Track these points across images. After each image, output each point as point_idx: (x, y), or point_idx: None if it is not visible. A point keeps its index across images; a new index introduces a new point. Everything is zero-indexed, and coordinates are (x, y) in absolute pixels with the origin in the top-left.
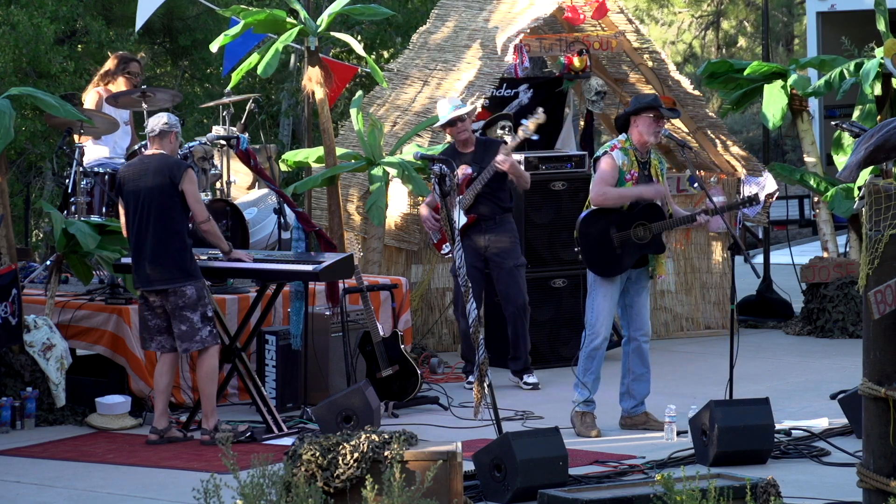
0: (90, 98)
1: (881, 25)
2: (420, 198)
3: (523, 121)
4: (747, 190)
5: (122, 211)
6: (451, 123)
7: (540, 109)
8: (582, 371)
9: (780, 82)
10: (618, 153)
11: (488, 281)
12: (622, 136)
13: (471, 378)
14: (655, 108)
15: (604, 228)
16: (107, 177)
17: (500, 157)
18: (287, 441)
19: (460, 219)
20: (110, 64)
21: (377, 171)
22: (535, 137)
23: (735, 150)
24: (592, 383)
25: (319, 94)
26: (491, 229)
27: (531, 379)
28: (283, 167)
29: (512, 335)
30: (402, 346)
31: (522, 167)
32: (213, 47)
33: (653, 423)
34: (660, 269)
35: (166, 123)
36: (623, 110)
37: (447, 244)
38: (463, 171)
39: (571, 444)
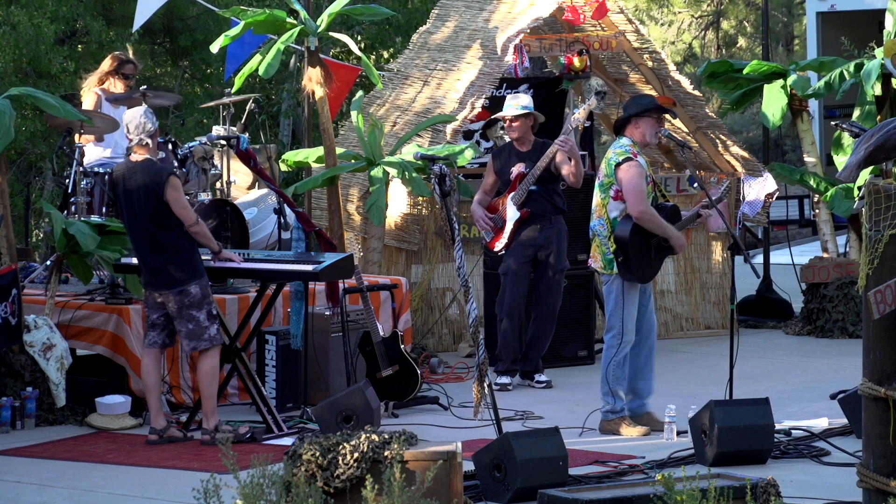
0: (89, 99)
1: (890, 25)
2: (420, 198)
3: (575, 110)
4: (747, 189)
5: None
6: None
7: (593, 96)
8: (613, 379)
9: (779, 82)
10: (642, 159)
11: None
12: (628, 140)
13: (500, 379)
14: (660, 110)
15: (647, 235)
16: (107, 177)
17: (559, 140)
18: (287, 441)
19: (513, 213)
20: (107, 64)
21: (377, 171)
22: (586, 124)
23: (735, 150)
24: (624, 391)
25: (319, 93)
26: (546, 230)
27: (543, 377)
28: (283, 167)
29: (532, 336)
30: (402, 346)
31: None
32: (214, 48)
33: (654, 424)
34: None
35: (144, 131)
36: (623, 112)
37: (500, 241)
38: (518, 168)
39: (571, 444)
